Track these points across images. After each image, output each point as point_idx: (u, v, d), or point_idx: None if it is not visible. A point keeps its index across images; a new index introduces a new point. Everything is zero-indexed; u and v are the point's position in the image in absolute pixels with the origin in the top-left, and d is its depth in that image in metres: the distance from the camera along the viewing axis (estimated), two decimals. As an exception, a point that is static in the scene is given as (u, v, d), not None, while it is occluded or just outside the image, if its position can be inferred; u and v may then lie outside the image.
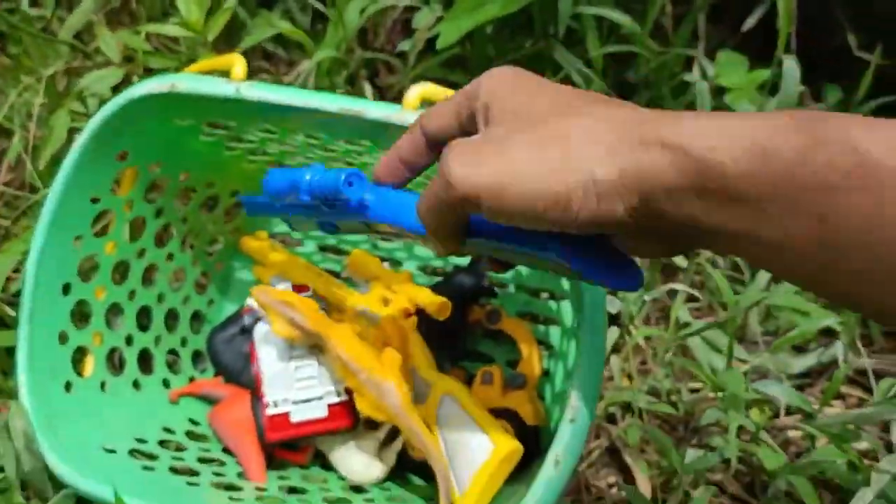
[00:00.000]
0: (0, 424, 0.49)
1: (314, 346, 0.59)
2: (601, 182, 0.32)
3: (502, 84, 0.38)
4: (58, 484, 0.54)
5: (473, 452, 0.55)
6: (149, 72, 0.71)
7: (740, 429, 0.61)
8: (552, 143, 0.33)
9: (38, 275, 0.57)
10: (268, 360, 0.59)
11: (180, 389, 0.68)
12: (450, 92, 0.51)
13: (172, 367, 0.70)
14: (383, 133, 0.53)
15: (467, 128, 0.39)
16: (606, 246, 0.38)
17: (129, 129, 0.58)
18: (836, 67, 0.87)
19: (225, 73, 0.56)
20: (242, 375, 0.69)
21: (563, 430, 0.46)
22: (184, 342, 0.71)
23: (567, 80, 0.87)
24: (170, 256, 0.69)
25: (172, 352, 0.70)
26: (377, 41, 0.96)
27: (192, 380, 0.71)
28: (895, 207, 0.26)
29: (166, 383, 0.68)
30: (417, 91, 0.51)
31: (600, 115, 0.34)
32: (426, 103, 0.51)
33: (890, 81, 0.84)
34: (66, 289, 0.60)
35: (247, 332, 0.71)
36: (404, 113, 0.50)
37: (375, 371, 0.53)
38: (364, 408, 0.54)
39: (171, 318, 0.70)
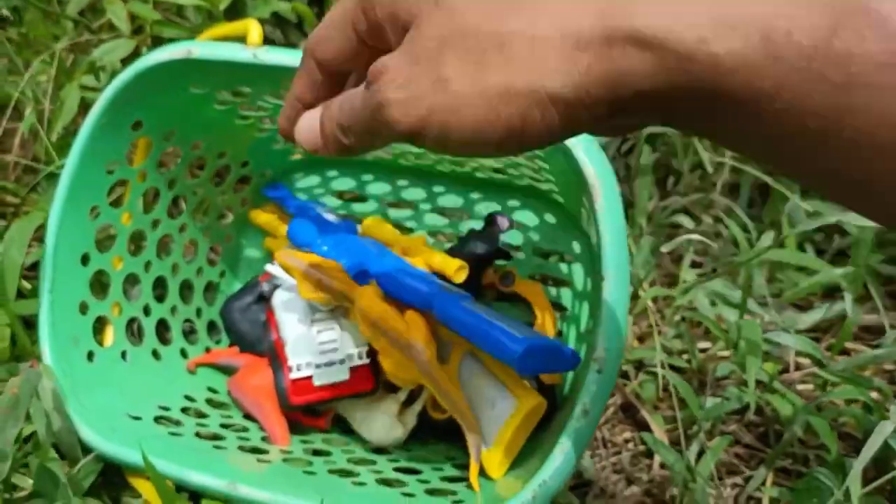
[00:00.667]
0: (28, 386, 0.49)
1: (335, 310, 0.59)
2: (559, 97, 0.26)
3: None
4: (86, 447, 0.54)
5: (497, 408, 0.56)
6: (157, 43, 0.71)
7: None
8: (494, 56, 0.27)
9: (58, 245, 0.58)
10: (289, 325, 0.59)
11: (198, 359, 0.69)
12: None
13: (188, 337, 0.70)
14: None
15: (373, 43, 0.32)
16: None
17: (144, 97, 0.59)
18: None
19: (238, 41, 0.57)
20: (258, 344, 0.69)
21: (591, 381, 0.47)
22: (199, 313, 0.72)
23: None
24: (182, 228, 0.69)
25: (188, 322, 0.70)
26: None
27: (207, 350, 0.71)
28: None
29: (184, 353, 0.69)
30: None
31: (546, 5, 0.27)
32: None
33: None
34: (85, 259, 0.60)
35: (262, 300, 0.71)
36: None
37: (402, 331, 0.54)
38: (390, 368, 0.55)
39: (186, 289, 0.71)
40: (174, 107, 0.61)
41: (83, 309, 0.60)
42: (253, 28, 0.55)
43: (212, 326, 0.73)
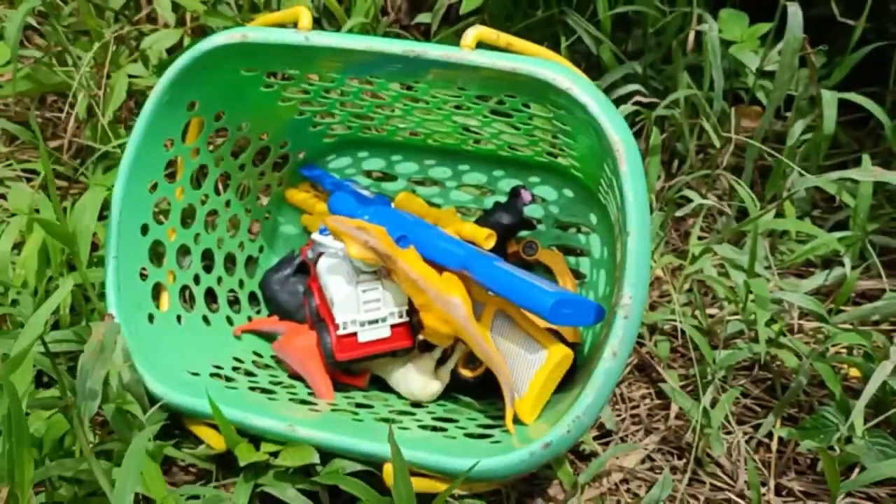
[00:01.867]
0: (111, 333, 0.53)
1: (378, 272, 0.64)
2: None
3: None
4: (152, 400, 0.59)
5: (528, 360, 0.61)
6: (200, 34, 0.76)
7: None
8: None
9: (122, 215, 0.63)
10: (336, 286, 0.64)
11: (243, 326, 0.74)
12: (503, 34, 0.57)
13: (232, 306, 0.76)
14: (428, 72, 0.59)
15: None
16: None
17: (199, 80, 0.64)
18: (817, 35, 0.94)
19: (282, 26, 0.62)
20: (297, 313, 0.74)
21: (618, 326, 0.52)
22: (241, 284, 0.77)
23: (579, 43, 0.94)
24: (227, 204, 0.75)
25: (232, 292, 0.76)
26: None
27: (250, 319, 0.76)
28: None
29: (229, 320, 0.74)
30: (473, 33, 0.57)
31: None
32: (481, 44, 0.57)
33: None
34: (144, 229, 0.65)
35: (300, 273, 0.77)
36: (462, 52, 0.56)
37: (442, 288, 0.59)
38: (431, 322, 0.60)
39: (230, 262, 0.76)
40: (225, 89, 0.66)
41: (143, 275, 0.65)
42: (303, 14, 0.60)
43: (252, 297, 0.78)
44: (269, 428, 0.57)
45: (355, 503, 0.57)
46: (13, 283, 0.64)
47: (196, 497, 0.57)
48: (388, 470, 0.54)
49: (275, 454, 0.57)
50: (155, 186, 0.66)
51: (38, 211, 0.72)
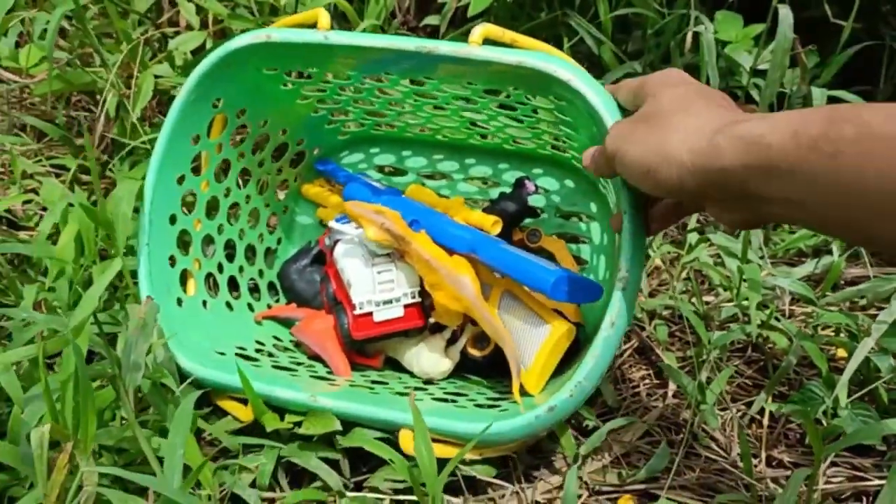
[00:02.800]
0: (152, 311, 0.57)
1: (392, 254, 0.69)
2: (680, 162, 0.45)
3: (663, 81, 0.52)
4: (182, 378, 0.63)
5: (532, 335, 0.65)
6: (222, 36, 0.80)
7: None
8: (661, 131, 0.47)
9: (153, 205, 0.67)
10: (352, 269, 0.69)
11: (264, 312, 0.78)
12: (508, 31, 0.61)
13: (252, 293, 0.80)
14: (438, 68, 0.63)
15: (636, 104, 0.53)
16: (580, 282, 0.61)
17: (224, 78, 0.68)
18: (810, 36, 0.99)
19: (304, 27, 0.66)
20: (314, 301, 0.79)
21: (616, 298, 0.56)
22: (261, 273, 0.81)
23: (581, 44, 0.98)
24: (248, 198, 0.79)
25: (252, 280, 0.80)
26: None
27: (269, 306, 0.80)
28: (881, 161, 0.36)
29: (250, 307, 0.78)
30: (480, 30, 0.61)
31: (700, 114, 0.46)
32: (488, 41, 0.61)
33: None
34: (173, 219, 0.70)
35: (316, 263, 0.81)
36: (470, 48, 0.60)
37: (453, 268, 0.63)
38: (443, 300, 0.64)
39: (250, 252, 0.80)
40: (248, 87, 0.70)
41: (172, 262, 0.70)
42: (322, 15, 0.64)
43: (270, 286, 0.82)
44: (293, 399, 0.61)
45: (373, 471, 0.61)
46: (51, 270, 0.69)
47: (225, 469, 0.61)
48: (405, 436, 0.58)
49: (298, 424, 0.61)
50: (182, 179, 0.70)
51: (70, 205, 0.77)
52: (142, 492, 0.52)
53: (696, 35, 0.92)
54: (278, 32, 0.65)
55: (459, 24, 0.99)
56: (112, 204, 0.69)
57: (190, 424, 0.53)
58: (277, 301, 0.82)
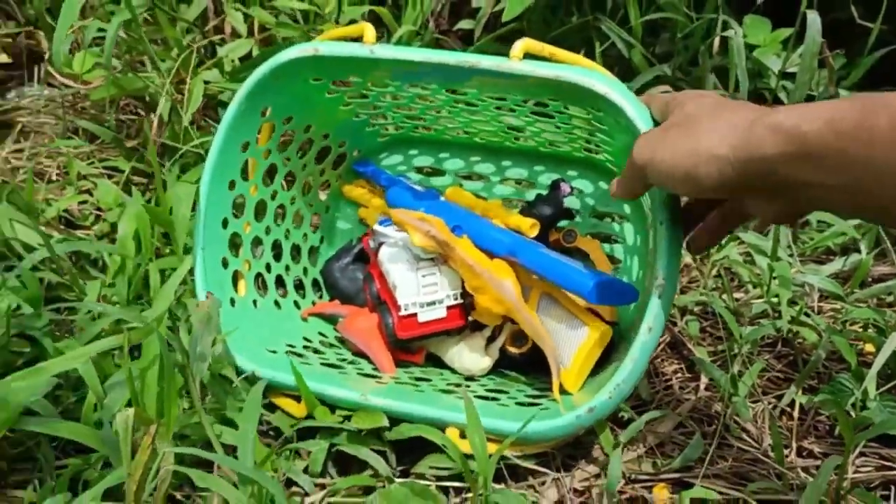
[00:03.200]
0: (215, 306, 0.61)
1: (436, 259, 0.72)
2: (719, 157, 0.46)
3: (688, 94, 0.55)
4: (238, 372, 0.67)
5: (571, 336, 0.68)
6: (268, 44, 0.84)
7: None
8: (694, 133, 0.49)
9: (207, 210, 0.71)
10: (398, 272, 0.72)
11: (309, 309, 0.82)
12: (547, 45, 0.64)
13: (297, 291, 0.83)
14: (476, 79, 0.65)
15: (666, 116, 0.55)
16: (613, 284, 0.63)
17: (273, 89, 0.71)
18: (837, 38, 1.00)
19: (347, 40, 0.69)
20: (357, 298, 0.82)
21: (653, 304, 0.59)
22: (305, 272, 0.85)
23: (612, 48, 1.00)
24: (293, 199, 0.82)
25: (298, 279, 0.83)
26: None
27: (314, 303, 0.84)
28: None
29: (296, 304, 0.82)
30: (521, 45, 0.63)
31: (730, 113, 0.48)
32: (528, 55, 0.63)
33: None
34: (225, 223, 0.73)
35: (359, 261, 0.84)
36: (512, 63, 0.63)
37: (494, 272, 0.66)
38: (485, 302, 0.67)
39: (295, 252, 0.84)
40: (294, 96, 0.74)
41: (224, 264, 0.73)
42: (367, 29, 0.67)
43: (314, 284, 0.86)
44: (345, 397, 0.64)
45: (415, 463, 0.64)
46: (110, 267, 0.73)
47: (279, 455, 0.64)
48: (452, 433, 0.61)
49: (347, 418, 0.64)
50: (233, 184, 0.73)
51: (121, 205, 0.81)
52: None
53: (725, 39, 0.94)
54: (325, 46, 0.67)
55: (492, 29, 1.01)
56: (171, 205, 0.73)
57: (259, 407, 0.56)
58: (321, 297, 0.86)
